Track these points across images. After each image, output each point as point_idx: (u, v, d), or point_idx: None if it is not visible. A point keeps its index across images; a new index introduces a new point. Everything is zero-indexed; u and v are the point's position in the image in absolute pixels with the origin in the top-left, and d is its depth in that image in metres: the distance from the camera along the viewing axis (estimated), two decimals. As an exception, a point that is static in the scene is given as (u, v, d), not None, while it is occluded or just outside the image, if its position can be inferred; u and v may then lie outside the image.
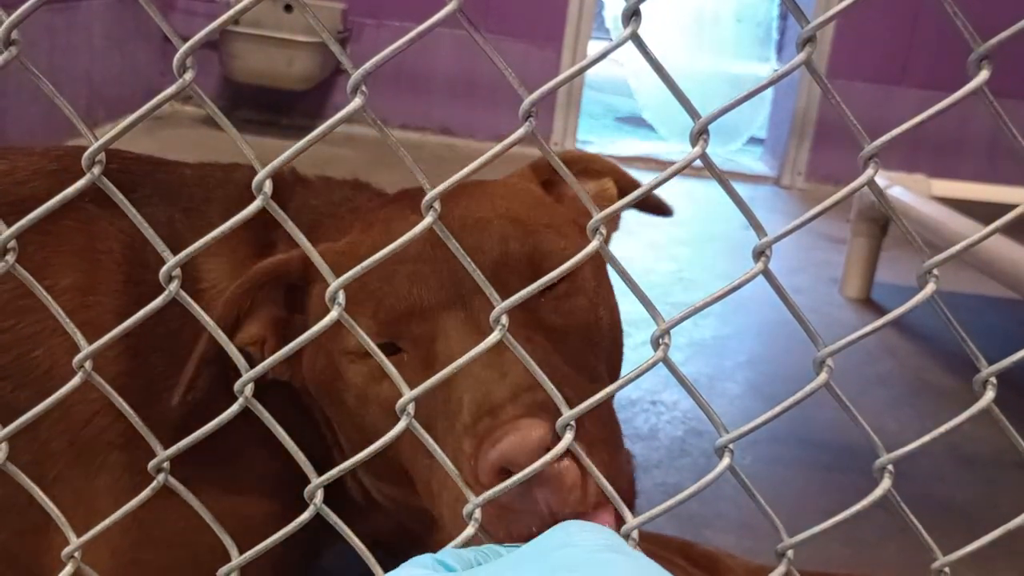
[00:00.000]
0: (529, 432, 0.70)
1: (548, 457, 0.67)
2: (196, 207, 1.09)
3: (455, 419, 0.79)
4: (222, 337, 0.69)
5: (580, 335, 0.92)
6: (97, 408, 0.98)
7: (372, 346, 0.69)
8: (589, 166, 1.11)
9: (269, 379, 0.98)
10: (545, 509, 0.70)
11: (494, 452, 0.71)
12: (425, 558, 0.57)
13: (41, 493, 0.75)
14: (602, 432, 0.82)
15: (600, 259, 1.00)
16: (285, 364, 0.98)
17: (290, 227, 0.66)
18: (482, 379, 0.78)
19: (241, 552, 0.73)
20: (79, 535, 0.76)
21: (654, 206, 1.14)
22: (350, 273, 0.66)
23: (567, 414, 0.67)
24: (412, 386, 0.84)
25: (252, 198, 0.64)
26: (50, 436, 0.98)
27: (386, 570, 0.77)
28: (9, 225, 0.67)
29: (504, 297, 0.73)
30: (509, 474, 0.69)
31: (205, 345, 0.93)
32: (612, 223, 1.08)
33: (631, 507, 0.72)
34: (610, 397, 0.89)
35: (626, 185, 1.11)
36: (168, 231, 1.04)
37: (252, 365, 0.96)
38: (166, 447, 0.73)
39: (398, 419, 0.85)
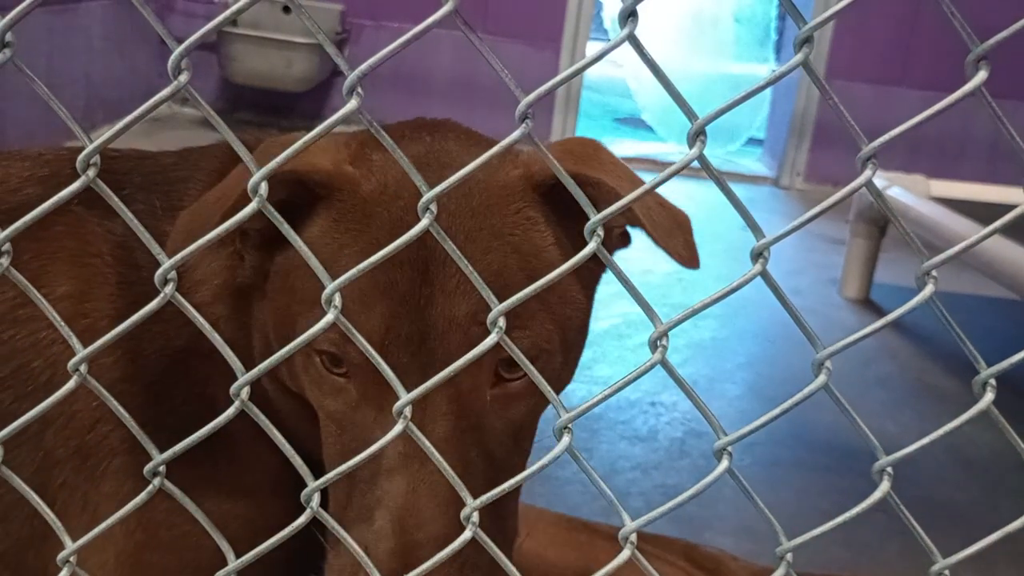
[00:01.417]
0: None
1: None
2: (175, 189, 1.07)
3: (370, 517, 0.82)
4: (218, 340, 0.69)
5: (514, 439, 0.89)
6: (100, 415, 0.98)
7: (377, 358, 0.68)
8: (611, 199, 0.95)
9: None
10: None
11: None
12: None
13: (36, 496, 0.75)
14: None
15: (573, 333, 0.93)
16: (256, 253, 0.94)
17: (286, 229, 0.66)
18: (407, 491, 0.81)
19: (243, 554, 0.73)
20: (85, 543, 0.75)
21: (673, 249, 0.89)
22: (349, 274, 0.65)
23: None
24: (334, 407, 0.86)
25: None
26: (55, 444, 0.98)
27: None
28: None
29: (455, 383, 0.77)
30: None
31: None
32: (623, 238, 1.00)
33: None
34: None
35: (635, 223, 1.00)
36: (149, 222, 1.01)
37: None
38: (167, 450, 0.73)
39: (337, 427, 0.87)
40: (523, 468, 0.91)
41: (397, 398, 0.78)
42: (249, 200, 0.64)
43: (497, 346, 0.81)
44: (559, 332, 0.88)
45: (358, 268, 0.65)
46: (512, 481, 0.70)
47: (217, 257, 1.01)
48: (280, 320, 0.91)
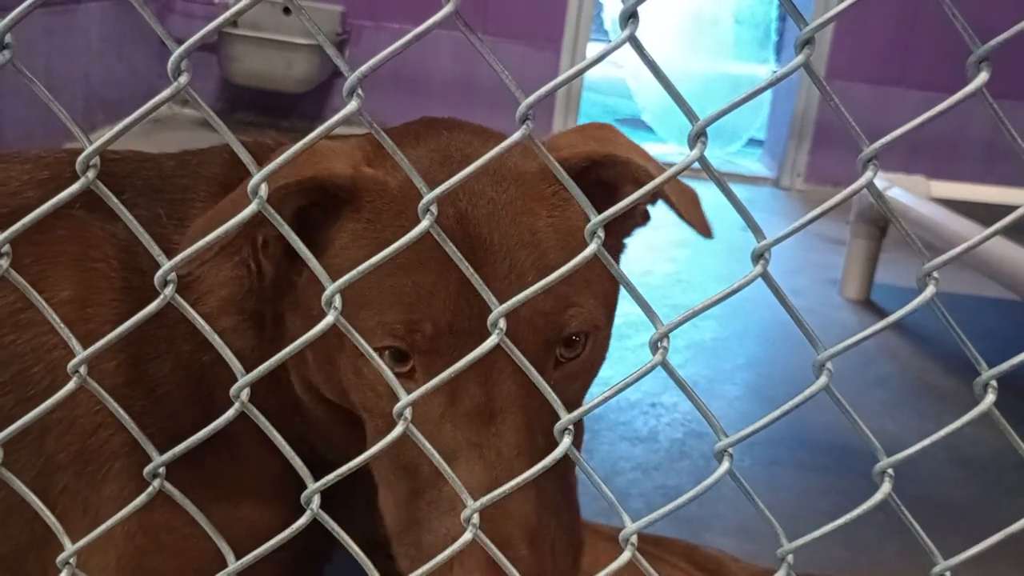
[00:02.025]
0: None
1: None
2: (179, 197, 1.07)
3: (452, 509, 0.83)
4: (216, 340, 0.69)
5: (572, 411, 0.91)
6: (101, 419, 0.98)
7: (376, 358, 0.68)
8: (638, 176, 0.95)
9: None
10: None
11: None
12: None
13: (34, 497, 0.75)
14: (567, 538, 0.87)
15: (613, 308, 0.96)
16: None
17: (286, 231, 0.66)
18: (489, 481, 0.80)
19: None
20: (86, 546, 0.75)
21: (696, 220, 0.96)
22: (349, 275, 0.65)
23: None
24: (417, 406, 0.84)
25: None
26: (56, 449, 0.98)
27: (384, 573, 0.77)
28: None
29: (517, 370, 0.74)
30: None
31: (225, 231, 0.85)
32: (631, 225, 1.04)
33: None
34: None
35: (662, 198, 0.99)
36: (154, 229, 1.02)
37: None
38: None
39: (388, 428, 0.86)
40: (580, 447, 0.94)
41: (468, 388, 0.82)
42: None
43: (558, 327, 0.86)
44: (603, 308, 0.92)
45: (359, 268, 0.65)
46: (513, 482, 0.70)
47: (223, 268, 1.01)
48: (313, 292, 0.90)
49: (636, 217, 1.01)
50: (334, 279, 0.86)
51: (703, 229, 0.93)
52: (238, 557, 0.73)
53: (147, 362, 1.00)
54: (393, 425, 0.85)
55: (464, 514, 0.70)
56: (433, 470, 0.83)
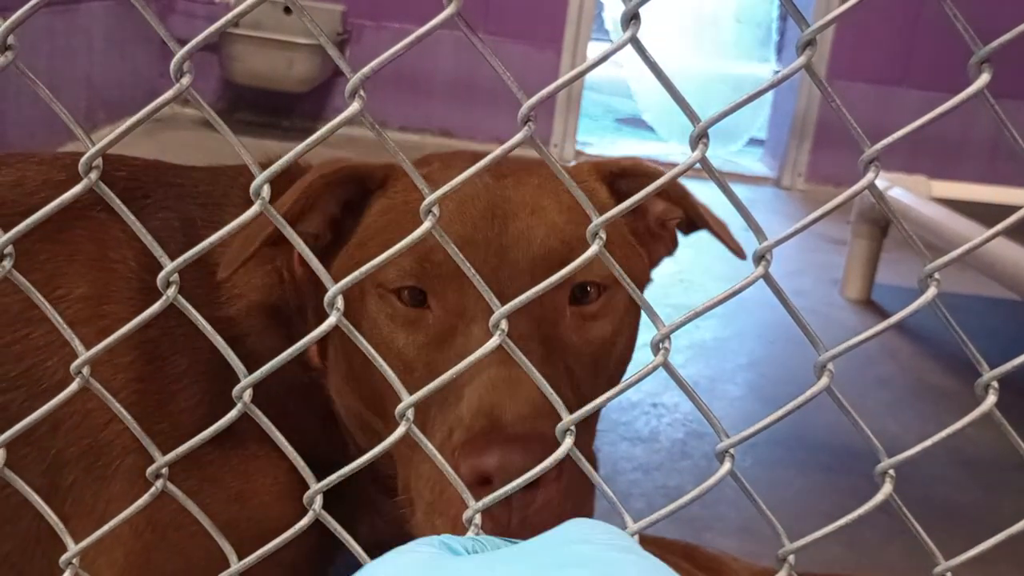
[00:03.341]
0: (512, 458, 0.77)
1: (533, 474, 0.69)
2: (214, 202, 1.10)
3: (453, 409, 0.84)
4: (218, 340, 0.69)
5: (592, 362, 0.96)
6: (112, 414, 0.98)
7: (377, 360, 0.69)
8: (668, 190, 1.10)
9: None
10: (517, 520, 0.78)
11: (478, 463, 0.77)
12: (432, 539, 0.57)
13: (38, 498, 0.75)
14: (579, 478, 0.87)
15: (638, 282, 1.05)
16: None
17: (289, 233, 0.66)
18: (492, 382, 0.83)
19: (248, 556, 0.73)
20: (94, 542, 0.75)
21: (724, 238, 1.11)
22: (351, 277, 0.66)
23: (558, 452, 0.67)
24: (423, 343, 0.91)
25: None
26: (66, 443, 0.99)
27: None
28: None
29: (535, 304, 0.76)
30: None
31: (267, 232, 0.91)
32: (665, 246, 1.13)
33: None
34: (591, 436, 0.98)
35: (693, 215, 1.11)
36: (189, 231, 1.07)
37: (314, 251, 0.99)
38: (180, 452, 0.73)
39: (404, 369, 0.90)
40: (591, 442, 1.00)
41: (483, 326, 0.86)
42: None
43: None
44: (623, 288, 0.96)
45: (361, 269, 0.65)
46: (513, 483, 0.70)
47: (255, 275, 1.06)
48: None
49: (666, 241, 1.11)
50: (368, 244, 0.96)
51: (737, 250, 1.06)
52: (248, 556, 0.73)
53: (163, 358, 1.01)
54: (399, 363, 0.91)
55: (466, 515, 0.70)
56: (448, 388, 0.84)
